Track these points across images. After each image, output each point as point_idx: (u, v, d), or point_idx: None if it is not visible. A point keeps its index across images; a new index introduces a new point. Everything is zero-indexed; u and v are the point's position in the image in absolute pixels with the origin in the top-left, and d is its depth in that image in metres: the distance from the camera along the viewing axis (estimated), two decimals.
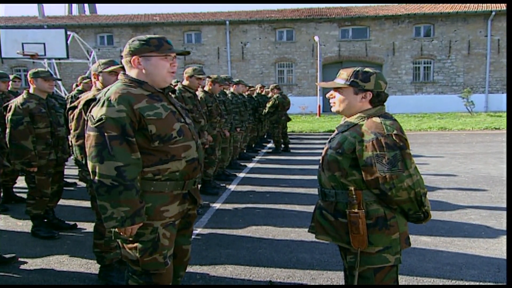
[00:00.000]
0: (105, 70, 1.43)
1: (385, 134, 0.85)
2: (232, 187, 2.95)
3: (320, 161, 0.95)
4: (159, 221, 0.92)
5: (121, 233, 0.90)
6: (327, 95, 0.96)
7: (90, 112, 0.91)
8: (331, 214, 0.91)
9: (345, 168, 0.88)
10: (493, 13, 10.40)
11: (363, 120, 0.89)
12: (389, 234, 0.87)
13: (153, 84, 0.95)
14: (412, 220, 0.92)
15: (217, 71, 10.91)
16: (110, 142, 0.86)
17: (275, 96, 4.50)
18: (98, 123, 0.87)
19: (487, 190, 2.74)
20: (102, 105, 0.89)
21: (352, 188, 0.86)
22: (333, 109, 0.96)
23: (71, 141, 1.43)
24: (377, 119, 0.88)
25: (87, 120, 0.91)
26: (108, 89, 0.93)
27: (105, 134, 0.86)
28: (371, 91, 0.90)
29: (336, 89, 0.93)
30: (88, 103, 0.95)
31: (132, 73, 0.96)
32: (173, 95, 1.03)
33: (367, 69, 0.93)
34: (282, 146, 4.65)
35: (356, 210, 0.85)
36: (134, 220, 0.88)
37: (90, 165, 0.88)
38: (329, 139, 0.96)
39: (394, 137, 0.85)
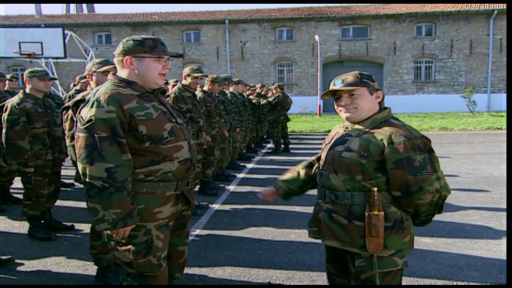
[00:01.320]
0: (99, 70, 1.42)
1: (413, 136, 0.84)
2: (231, 187, 2.94)
3: (327, 163, 0.90)
4: (152, 222, 0.91)
5: (114, 235, 0.89)
6: (342, 103, 0.89)
7: (79, 113, 0.90)
8: (344, 217, 0.87)
9: (369, 171, 0.85)
10: (495, 12, 10.36)
11: (382, 123, 0.87)
12: (403, 237, 0.86)
13: (144, 85, 0.95)
14: (418, 222, 0.91)
15: (216, 70, 10.88)
16: (100, 143, 0.85)
17: (276, 94, 4.49)
18: (88, 124, 0.86)
19: (489, 190, 2.73)
20: (92, 106, 0.88)
21: (375, 189, 0.83)
22: (351, 115, 0.88)
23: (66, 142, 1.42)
24: (397, 122, 0.88)
25: (77, 122, 0.90)
26: (97, 90, 0.92)
27: (95, 135, 0.86)
28: (380, 90, 0.91)
29: (350, 94, 0.88)
30: (77, 104, 0.94)
31: (123, 73, 0.95)
32: (164, 96, 1.03)
33: (367, 73, 0.92)
34: (282, 146, 4.63)
35: (377, 212, 0.83)
36: (126, 222, 0.87)
37: (80, 167, 0.88)
38: (335, 141, 0.91)
39: (422, 139, 0.84)
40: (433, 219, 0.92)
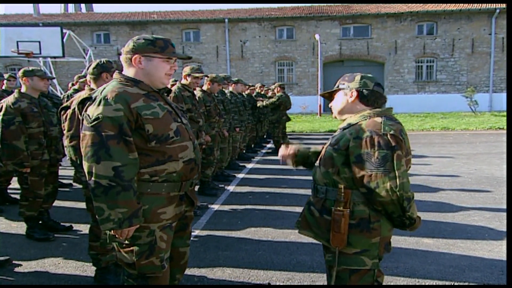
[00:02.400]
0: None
1: (380, 133, 0.85)
2: (231, 188, 2.92)
3: (319, 158, 0.96)
4: (156, 223, 0.91)
5: (117, 236, 0.88)
6: (330, 105, 1.00)
7: (85, 111, 0.89)
8: (317, 210, 0.91)
9: (337, 165, 0.88)
10: (498, 10, 10.30)
11: (365, 119, 0.90)
12: (369, 237, 0.87)
13: (150, 84, 0.95)
14: (396, 224, 0.91)
15: (216, 70, 10.83)
16: (107, 142, 0.84)
17: (278, 94, 4.44)
18: (95, 122, 0.86)
19: (491, 191, 2.71)
20: (99, 104, 0.87)
21: (342, 186, 0.86)
22: (333, 113, 0.99)
23: (65, 142, 1.41)
24: (378, 119, 0.89)
25: (83, 120, 0.89)
26: (104, 88, 0.93)
27: (102, 133, 0.85)
28: (356, 89, 0.93)
29: (333, 97, 0.98)
30: (83, 102, 0.94)
31: (130, 71, 0.95)
32: (168, 95, 1.03)
33: (355, 73, 0.98)
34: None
35: (341, 208, 0.85)
36: (132, 221, 0.86)
37: (86, 165, 0.86)
38: (332, 137, 0.98)
39: (388, 136, 0.85)
40: (420, 225, 0.92)
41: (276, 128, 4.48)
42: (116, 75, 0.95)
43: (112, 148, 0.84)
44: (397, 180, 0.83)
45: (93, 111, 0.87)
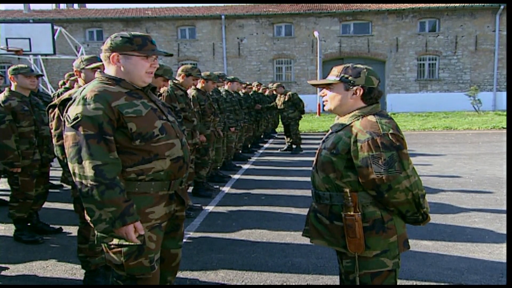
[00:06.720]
0: (87, 67, 1.37)
1: (380, 134, 0.81)
2: (226, 189, 2.89)
3: (314, 162, 0.92)
4: (144, 223, 0.89)
5: (122, 234, 0.84)
6: (320, 94, 0.94)
7: (66, 112, 0.89)
8: (326, 218, 0.88)
9: (339, 170, 0.85)
10: (502, 7, 10.21)
11: (358, 119, 0.86)
12: (386, 237, 0.84)
13: (131, 82, 0.93)
14: (410, 221, 0.88)
15: (212, 68, 10.71)
16: (87, 141, 0.84)
17: (290, 93, 4.46)
18: (74, 122, 0.85)
19: (493, 192, 2.66)
20: (78, 104, 0.87)
21: (347, 190, 0.83)
22: (325, 108, 0.93)
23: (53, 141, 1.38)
24: (372, 118, 0.85)
25: (64, 121, 0.89)
26: (84, 88, 0.92)
27: (82, 133, 0.84)
28: (362, 86, 0.87)
29: (328, 86, 0.90)
30: (64, 103, 0.93)
31: (110, 69, 0.94)
32: (155, 93, 1.00)
33: (357, 65, 0.90)
34: (288, 144, 4.56)
35: (352, 213, 0.82)
36: (125, 220, 0.84)
37: (70, 166, 0.86)
38: (323, 139, 0.94)
39: (390, 136, 0.82)
40: (430, 220, 0.88)
41: (297, 126, 4.45)
42: (97, 74, 0.93)
43: (92, 147, 0.83)
44: (410, 179, 0.80)
45: (73, 111, 0.86)
